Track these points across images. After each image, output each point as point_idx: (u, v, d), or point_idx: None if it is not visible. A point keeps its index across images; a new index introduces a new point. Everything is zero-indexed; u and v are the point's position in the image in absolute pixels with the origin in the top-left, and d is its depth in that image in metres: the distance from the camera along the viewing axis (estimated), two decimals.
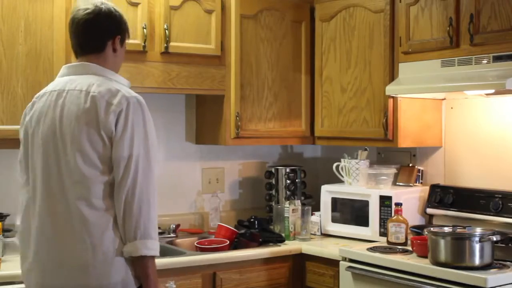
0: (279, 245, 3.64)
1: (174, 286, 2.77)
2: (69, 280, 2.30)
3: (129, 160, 2.30)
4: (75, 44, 2.50)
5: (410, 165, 3.90)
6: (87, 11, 2.45)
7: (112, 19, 2.49)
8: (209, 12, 3.69)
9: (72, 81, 2.42)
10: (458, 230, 2.98)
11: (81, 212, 2.29)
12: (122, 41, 2.55)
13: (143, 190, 2.31)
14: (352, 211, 3.79)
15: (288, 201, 3.88)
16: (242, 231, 3.71)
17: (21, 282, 2.84)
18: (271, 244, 3.65)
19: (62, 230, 2.32)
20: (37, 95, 2.53)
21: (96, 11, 2.45)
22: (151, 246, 2.31)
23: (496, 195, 3.37)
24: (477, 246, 2.86)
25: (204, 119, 3.99)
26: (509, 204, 3.30)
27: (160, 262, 3.22)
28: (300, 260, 3.62)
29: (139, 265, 2.32)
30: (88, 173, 2.30)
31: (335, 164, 3.95)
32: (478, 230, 2.96)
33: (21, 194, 2.48)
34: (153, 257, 2.34)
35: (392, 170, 3.78)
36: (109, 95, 2.34)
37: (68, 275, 2.30)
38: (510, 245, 3.09)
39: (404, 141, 3.63)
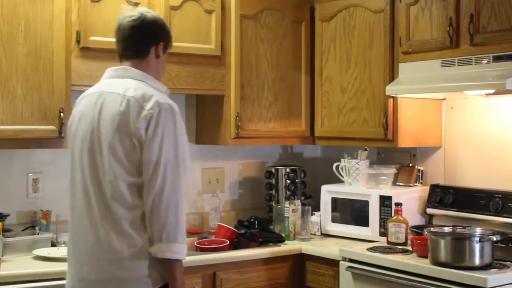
0: (279, 245, 3.64)
1: None
2: (103, 273, 2.40)
3: (158, 164, 2.36)
4: (120, 49, 2.60)
5: (410, 165, 3.90)
6: (132, 17, 2.56)
7: (156, 26, 2.59)
8: (209, 12, 3.69)
9: (111, 84, 2.53)
10: (458, 230, 2.98)
11: (113, 210, 2.38)
12: (165, 48, 2.64)
13: (171, 195, 2.37)
14: (352, 211, 3.79)
15: (288, 201, 3.88)
16: (242, 231, 3.71)
17: (21, 282, 2.86)
18: (271, 244, 3.65)
19: (98, 226, 2.41)
20: (81, 95, 2.64)
21: (141, 18, 2.56)
22: (177, 249, 2.37)
23: (496, 195, 3.37)
24: (477, 246, 2.86)
25: (204, 119, 3.99)
26: (509, 204, 3.30)
27: None
28: (300, 260, 3.62)
29: (165, 266, 2.39)
30: (119, 174, 2.39)
31: (335, 164, 3.95)
32: (478, 230, 2.96)
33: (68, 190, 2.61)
34: (179, 260, 2.39)
35: (392, 170, 3.78)
36: (142, 100, 2.41)
37: (102, 268, 2.40)
38: (510, 245, 3.09)
39: (404, 141, 3.63)
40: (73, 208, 2.54)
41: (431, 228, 3.11)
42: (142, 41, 2.57)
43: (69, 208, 2.57)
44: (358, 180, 3.83)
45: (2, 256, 2.99)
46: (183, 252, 2.39)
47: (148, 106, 2.39)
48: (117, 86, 2.49)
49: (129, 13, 2.58)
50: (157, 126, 2.37)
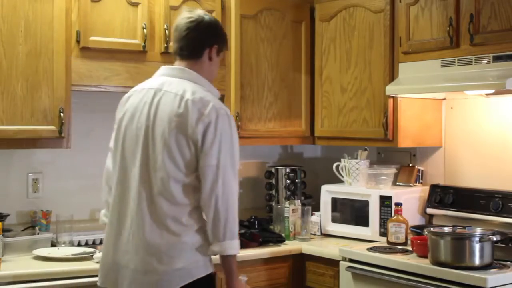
0: (279, 245, 3.64)
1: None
2: (142, 264, 2.50)
3: (217, 169, 2.49)
4: (176, 48, 2.69)
5: (410, 165, 3.90)
6: (190, 19, 2.65)
7: (211, 28, 2.69)
8: (209, 12, 3.68)
9: (169, 83, 2.60)
10: (458, 230, 2.98)
11: (159, 205, 2.49)
12: (219, 52, 2.72)
13: (229, 196, 2.51)
14: (352, 211, 3.79)
15: (288, 201, 3.88)
16: (242, 231, 3.70)
17: (21, 282, 2.86)
18: (271, 244, 3.65)
19: (143, 219, 2.51)
20: (134, 89, 2.71)
21: (198, 20, 2.65)
22: (236, 245, 2.54)
23: (496, 195, 3.37)
24: (477, 246, 2.86)
25: None
26: (509, 204, 3.30)
27: None
28: (300, 260, 3.62)
29: (225, 262, 2.55)
30: (171, 172, 2.49)
31: (335, 164, 3.95)
32: (478, 230, 2.96)
33: (110, 179, 2.72)
34: (235, 256, 2.56)
35: (392, 170, 3.78)
36: (201, 105, 2.51)
37: (141, 259, 2.50)
38: (510, 245, 3.09)
39: (404, 141, 3.63)
40: (120, 198, 2.61)
41: (431, 228, 3.11)
42: (196, 42, 2.66)
43: (112, 197, 2.65)
44: (358, 180, 3.83)
45: (2, 256, 2.99)
46: (238, 247, 2.56)
47: (206, 111, 2.49)
48: (175, 86, 2.58)
49: (188, 15, 2.68)
50: (215, 131, 2.49)
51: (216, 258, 2.59)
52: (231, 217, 2.51)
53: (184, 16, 2.68)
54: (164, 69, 2.70)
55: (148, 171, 2.53)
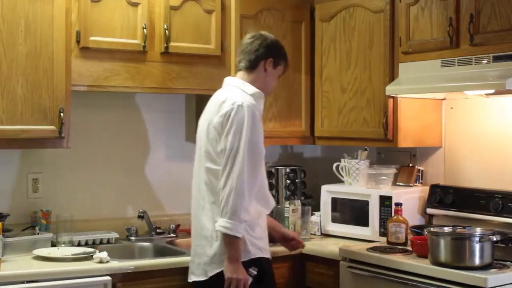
0: (279, 245, 3.63)
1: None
2: (198, 248, 2.95)
3: (224, 153, 2.81)
4: (237, 61, 3.11)
5: (410, 165, 3.90)
6: (251, 36, 3.07)
7: (267, 43, 3.05)
8: (209, 12, 3.69)
9: (218, 91, 3.06)
10: (458, 230, 2.98)
11: (204, 194, 2.93)
12: (276, 65, 3.06)
13: (235, 178, 2.76)
14: (352, 211, 3.79)
15: (288, 201, 3.88)
16: None
17: (21, 282, 2.86)
18: (271, 244, 3.64)
19: (200, 208, 2.95)
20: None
21: (257, 36, 3.06)
22: (231, 226, 2.74)
23: (496, 195, 3.37)
24: (477, 246, 2.86)
25: None
26: (509, 204, 3.30)
27: (160, 262, 3.23)
28: (300, 260, 3.62)
29: (224, 240, 2.80)
30: (206, 163, 2.93)
31: (335, 164, 3.95)
32: (478, 230, 2.96)
33: None
34: (232, 236, 2.75)
35: (392, 170, 3.78)
36: (223, 101, 2.89)
37: (198, 244, 2.95)
38: (510, 245, 3.09)
39: (404, 141, 3.63)
40: (192, 194, 3.06)
41: (431, 228, 3.11)
42: (252, 55, 3.02)
43: None
44: (358, 180, 3.83)
45: (2, 256, 2.99)
46: (235, 229, 2.74)
47: (226, 104, 2.86)
48: (218, 93, 3.03)
49: (251, 34, 3.09)
50: (230, 121, 2.82)
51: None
52: (232, 198, 2.74)
53: (248, 35, 3.09)
54: (224, 80, 3.12)
55: (201, 167, 2.98)
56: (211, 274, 2.88)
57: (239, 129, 2.80)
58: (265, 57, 3.02)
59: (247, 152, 2.79)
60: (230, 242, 2.77)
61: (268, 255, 2.99)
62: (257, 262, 2.90)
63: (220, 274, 2.83)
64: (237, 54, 3.10)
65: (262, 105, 3.04)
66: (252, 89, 2.97)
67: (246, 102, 2.86)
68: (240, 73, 3.05)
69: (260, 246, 2.93)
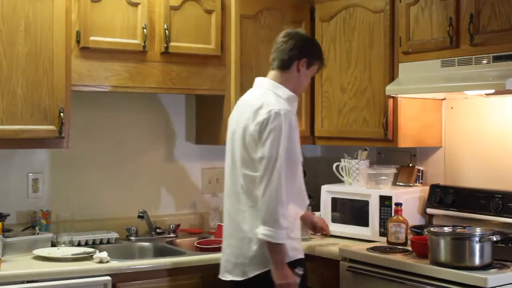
0: None
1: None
2: (236, 249, 2.92)
3: (262, 161, 2.78)
4: (270, 60, 3.01)
5: (410, 165, 3.90)
6: (286, 33, 2.98)
7: (301, 42, 2.96)
8: (209, 12, 3.69)
9: (250, 93, 3.02)
10: (458, 230, 2.98)
11: (244, 200, 2.88)
12: (310, 65, 2.98)
13: (272, 186, 2.75)
14: (352, 211, 3.79)
15: None
16: None
17: (21, 282, 2.86)
18: None
19: (237, 211, 2.92)
20: (240, 99, 3.08)
21: (292, 34, 2.97)
22: (270, 233, 2.74)
23: (496, 195, 3.37)
24: (477, 246, 2.86)
25: (204, 119, 3.99)
26: (509, 204, 3.30)
27: (160, 262, 3.23)
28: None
29: (268, 248, 2.79)
30: (242, 168, 2.88)
31: (335, 164, 3.95)
32: (478, 230, 2.96)
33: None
34: (274, 244, 2.76)
35: (392, 170, 3.78)
36: (259, 107, 2.83)
37: (236, 245, 2.92)
38: (510, 245, 3.08)
39: (404, 141, 3.63)
40: (224, 195, 3.04)
41: (431, 228, 3.11)
42: (286, 55, 2.94)
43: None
44: (358, 180, 3.83)
45: (2, 256, 2.99)
46: (277, 237, 2.74)
47: (262, 111, 2.81)
48: (251, 95, 2.99)
49: (285, 31, 3.00)
50: (267, 130, 2.78)
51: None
52: (273, 207, 2.73)
53: (283, 32, 3.00)
54: (255, 80, 3.04)
55: (235, 170, 2.93)
56: (251, 275, 2.87)
57: (277, 138, 2.77)
58: (298, 58, 2.94)
59: (285, 160, 2.77)
60: (274, 249, 2.77)
61: (303, 255, 2.98)
62: (301, 262, 2.93)
63: (260, 275, 2.84)
64: (272, 52, 3.02)
65: (296, 107, 2.99)
66: (286, 93, 2.92)
67: (283, 109, 2.81)
68: (273, 73, 2.99)
69: (296, 247, 2.92)
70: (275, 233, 2.74)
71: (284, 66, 2.95)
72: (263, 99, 2.87)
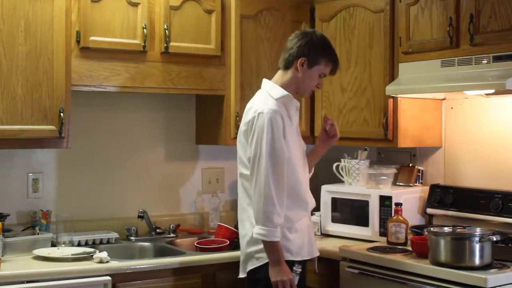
0: None
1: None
2: (243, 247, 2.97)
3: (250, 160, 2.85)
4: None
5: (410, 165, 3.90)
6: (296, 34, 2.97)
7: (304, 41, 2.92)
8: (209, 12, 3.69)
9: (253, 98, 3.03)
10: (458, 230, 2.98)
11: (243, 198, 2.96)
12: (311, 64, 2.92)
13: (262, 184, 2.80)
14: (352, 211, 3.79)
15: None
16: None
17: (21, 282, 2.86)
18: None
19: (240, 208, 3.01)
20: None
21: (298, 34, 2.96)
22: (264, 232, 2.78)
23: (496, 195, 3.37)
24: (477, 246, 2.86)
25: (204, 119, 3.99)
26: (509, 204, 3.30)
27: (160, 262, 3.23)
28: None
29: (264, 246, 2.83)
30: (240, 168, 2.97)
31: (335, 164, 3.95)
32: (478, 230, 2.96)
33: None
34: (269, 242, 2.79)
35: (392, 170, 3.78)
36: (249, 108, 2.92)
37: (240, 243, 3.00)
38: (510, 245, 3.09)
39: (404, 141, 3.63)
40: None
41: (431, 228, 3.11)
42: (287, 54, 2.94)
43: None
44: (358, 180, 3.83)
45: (2, 256, 2.99)
46: (271, 235, 2.77)
47: (250, 112, 2.89)
48: (253, 96, 3.02)
49: (300, 31, 3.00)
50: (253, 129, 2.84)
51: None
52: (262, 205, 2.77)
53: (295, 32, 3.00)
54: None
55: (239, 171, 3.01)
56: (247, 269, 2.93)
57: (259, 137, 2.81)
58: (297, 56, 2.91)
59: (269, 159, 2.79)
60: (269, 247, 2.81)
61: (298, 258, 2.95)
62: (300, 261, 2.94)
63: (255, 270, 2.89)
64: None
65: (294, 108, 2.97)
66: (279, 93, 2.91)
67: (266, 108, 2.83)
68: (278, 72, 3.01)
69: (291, 249, 2.91)
70: (268, 232, 2.77)
71: (285, 65, 2.96)
72: (255, 100, 2.95)
